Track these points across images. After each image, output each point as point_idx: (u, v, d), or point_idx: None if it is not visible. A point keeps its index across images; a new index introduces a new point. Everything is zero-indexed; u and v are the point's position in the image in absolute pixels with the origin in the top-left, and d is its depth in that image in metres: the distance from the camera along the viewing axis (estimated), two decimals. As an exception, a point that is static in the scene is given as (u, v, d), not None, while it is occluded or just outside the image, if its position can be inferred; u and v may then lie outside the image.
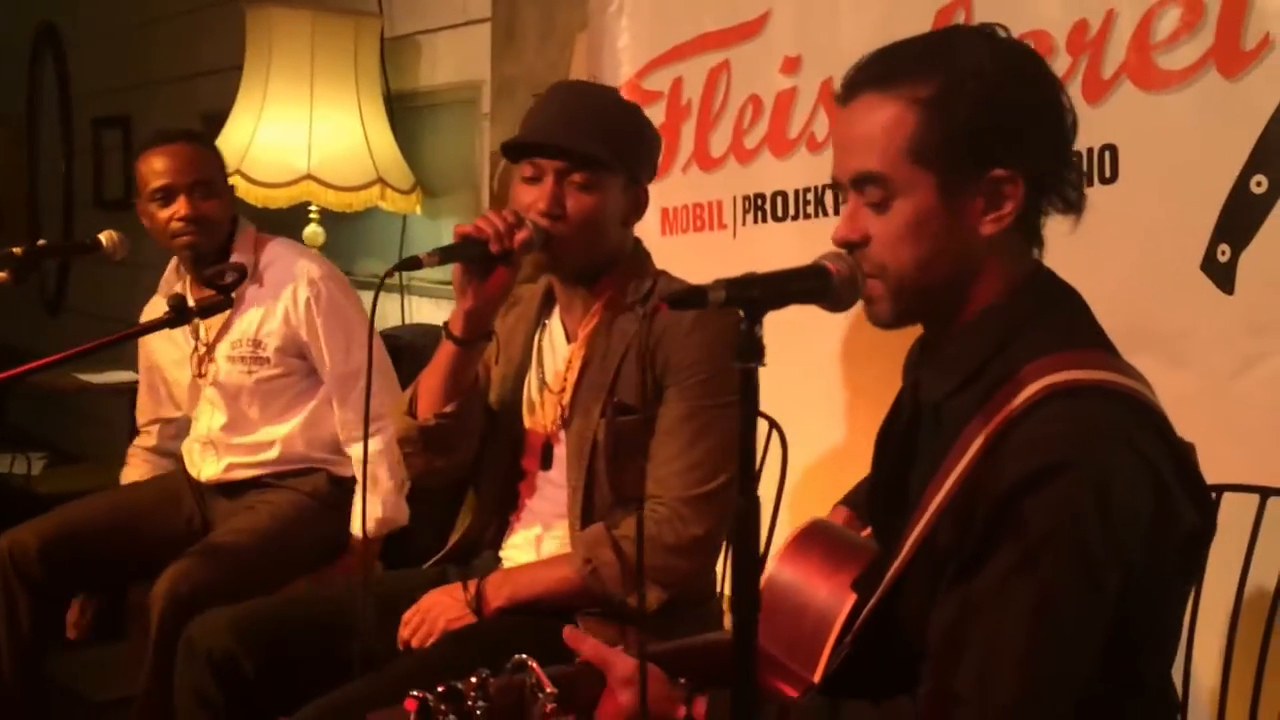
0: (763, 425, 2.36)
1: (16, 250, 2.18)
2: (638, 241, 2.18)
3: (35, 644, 2.71)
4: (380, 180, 3.58)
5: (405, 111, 3.81)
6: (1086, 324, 1.37)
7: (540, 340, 2.17)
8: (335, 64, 3.60)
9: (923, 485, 1.32)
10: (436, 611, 2.03)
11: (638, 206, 2.12)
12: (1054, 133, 1.34)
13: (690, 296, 1.14)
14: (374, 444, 2.72)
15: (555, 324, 2.17)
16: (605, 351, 2.06)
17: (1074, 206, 1.37)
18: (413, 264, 1.84)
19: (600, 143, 2.00)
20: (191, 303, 2.11)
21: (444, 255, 1.88)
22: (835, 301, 1.26)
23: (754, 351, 1.15)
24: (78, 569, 2.79)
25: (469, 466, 2.18)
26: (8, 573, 2.68)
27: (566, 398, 2.08)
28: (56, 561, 2.70)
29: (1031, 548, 1.20)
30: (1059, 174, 1.35)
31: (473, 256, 1.94)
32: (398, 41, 3.83)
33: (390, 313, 3.92)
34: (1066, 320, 1.35)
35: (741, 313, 1.16)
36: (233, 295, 2.19)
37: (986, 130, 1.29)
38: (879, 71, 1.34)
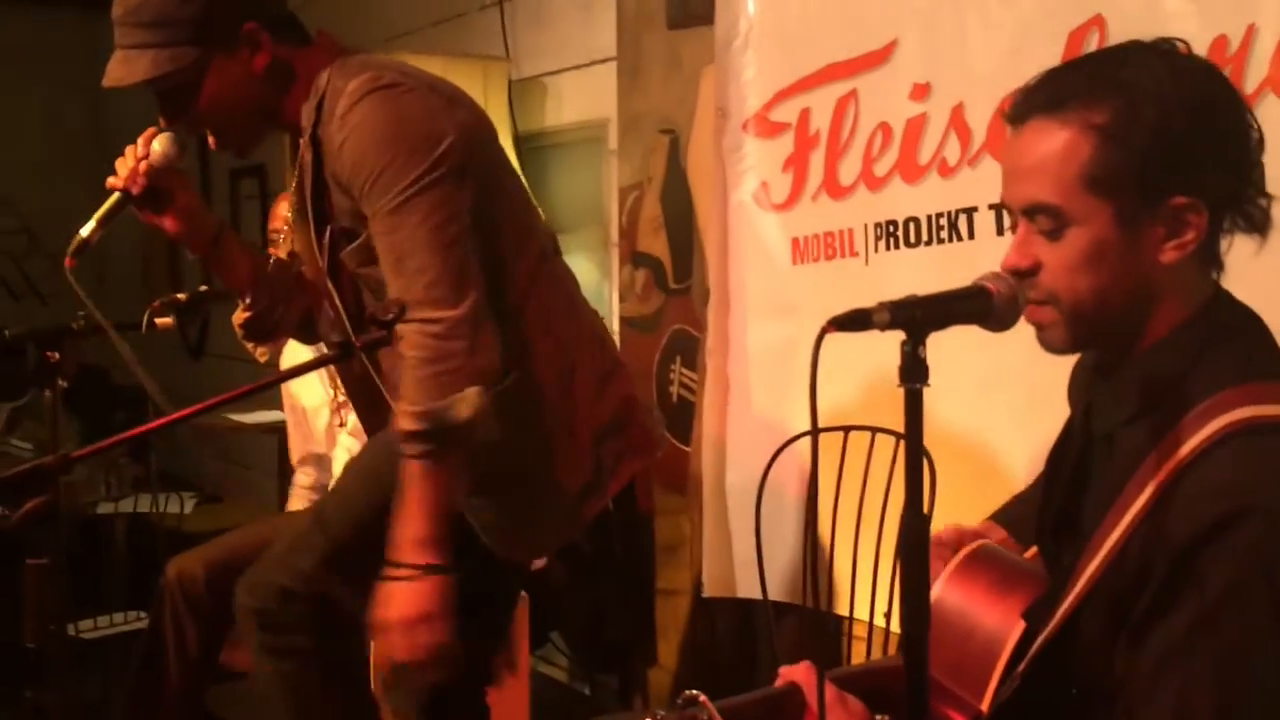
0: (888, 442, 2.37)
1: (181, 296, 2.28)
2: (296, 63, 2.00)
3: (202, 672, 2.80)
4: (511, 219, 3.66)
5: (533, 151, 3.90)
6: (1270, 352, 1.32)
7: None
8: (465, 108, 3.70)
9: (1096, 518, 1.29)
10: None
11: (245, 49, 1.95)
12: (1238, 155, 1.30)
13: (855, 319, 1.17)
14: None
15: None
16: (302, 187, 2.03)
17: (1258, 227, 1.32)
18: (83, 247, 1.94)
19: (139, 40, 1.91)
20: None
21: (102, 221, 1.96)
22: (996, 322, 1.26)
23: (919, 373, 1.17)
24: None
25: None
26: (176, 600, 2.76)
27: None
28: (224, 589, 2.79)
29: (1213, 603, 1.17)
30: (1243, 194, 1.31)
31: (130, 204, 2.00)
32: (524, 83, 3.92)
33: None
34: (1247, 349, 1.30)
35: (905, 334, 1.17)
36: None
37: (1166, 158, 1.25)
38: (1050, 95, 1.30)
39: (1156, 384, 1.30)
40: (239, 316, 2.16)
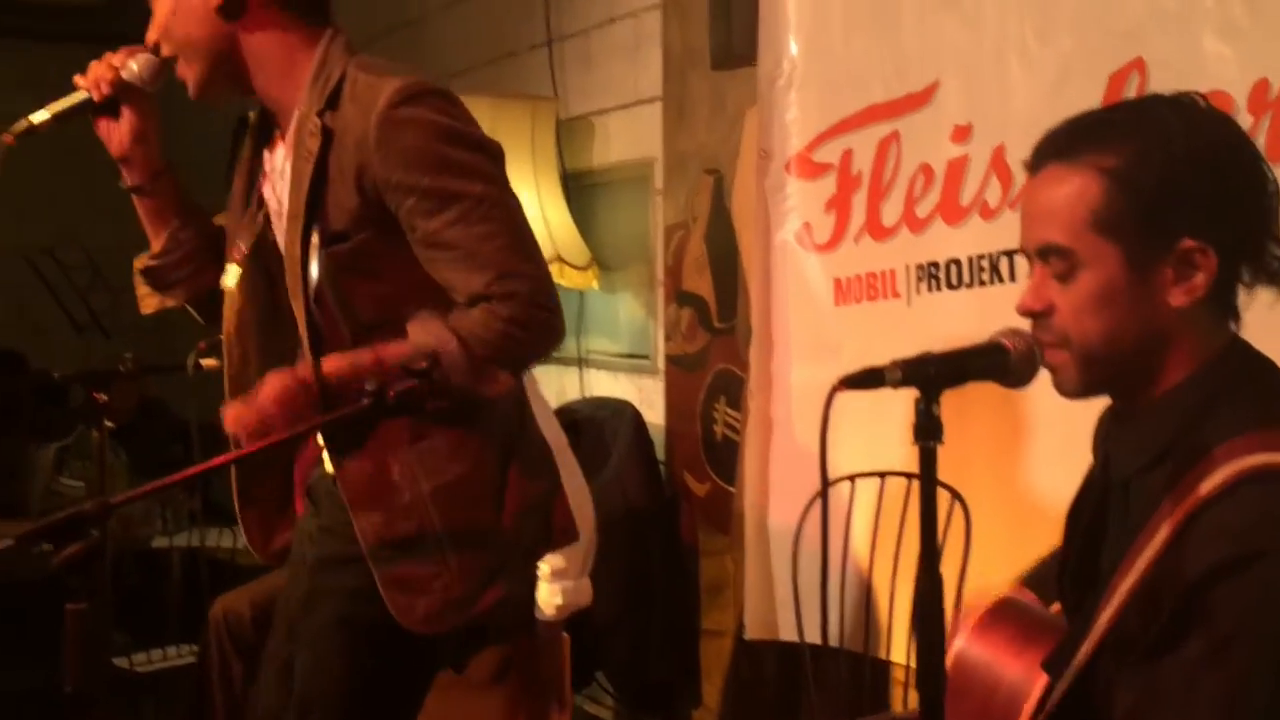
0: (944, 497, 2.35)
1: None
2: (288, 33, 1.94)
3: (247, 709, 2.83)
4: (557, 258, 3.68)
5: (580, 189, 3.93)
6: None
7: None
8: (513, 146, 3.73)
9: (1113, 564, 1.30)
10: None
11: None
12: (1252, 204, 1.31)
13: (866, 378, 1.17)
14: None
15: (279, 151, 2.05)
16: (299, 174, 1.90)
17: (1276, 278, 1.33)
18: (29, 130, 1.92)
19: None
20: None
21: (58, 116, 1.94)
22: (1013, 378, 1.27)
23: (933, 430, 1.17)
24: None
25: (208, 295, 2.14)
26: (222, 637, 2.79)
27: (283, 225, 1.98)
28: (270, 626, 2.81)
29: (1222, 639, 1.18)
30: (1258, 245, 1.32)
31: (86, 109, 1.98)
32: (572, 122, 3.96)
33: (569, 386, 4.02)
34: (1263, 396, 1.31)
35: (919, 392, 1.17)
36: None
37: (1174, 201, 1.27)
38: (1065, 142, 1.35)
39: (1171, 430, 1.30)
40: (141, 260, 2.12)
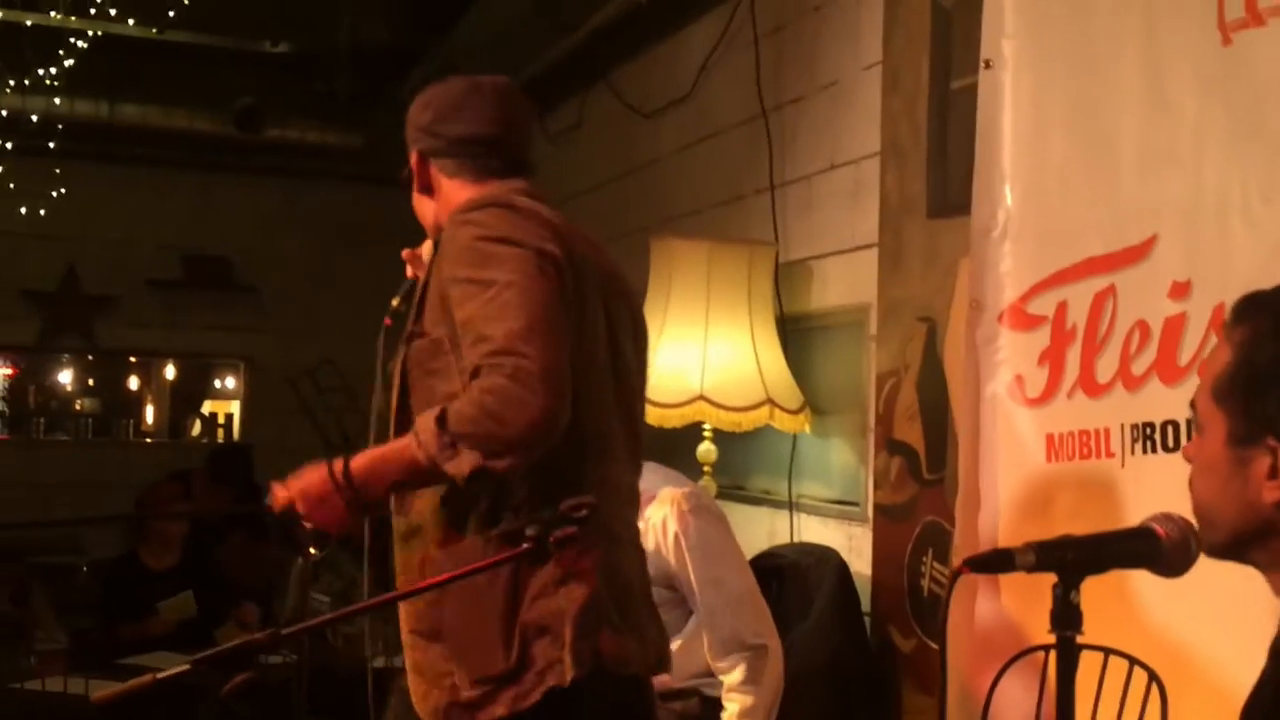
0: (1140, 676, 2.19)
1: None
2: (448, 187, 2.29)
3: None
4: (770, 401, 3.68)
5: (796, 333, 3.93)
6: None
7: None
8: (730, 290, 3.78)
9: None
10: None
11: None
12: None
13: (995, 561, 1.12)
14: (736, 675, 2.74)
15: None
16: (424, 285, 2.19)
17: None
18: (394, 311, 2.25)
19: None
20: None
21: (404, 299, 2.25)
22: (1166, 567, 1.19)
23: (1071, 619, 1.10)
24: None
25: None
26: None
27: None
28: None
29: None
30: None
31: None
32: (791, 266, 3.98)
33: (779, 529, 3.97)
34: None
35: (1057, 578, 1.11)
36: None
37: (1275, 393, 1.21)
38: (1241, 306, 1.34)
39: None
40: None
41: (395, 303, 2.29)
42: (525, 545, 1.70)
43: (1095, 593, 2.45)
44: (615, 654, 2.05)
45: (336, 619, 1.71)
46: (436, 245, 2.19)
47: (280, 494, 2.08)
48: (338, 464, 2.02)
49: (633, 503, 2.26)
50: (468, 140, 2.25)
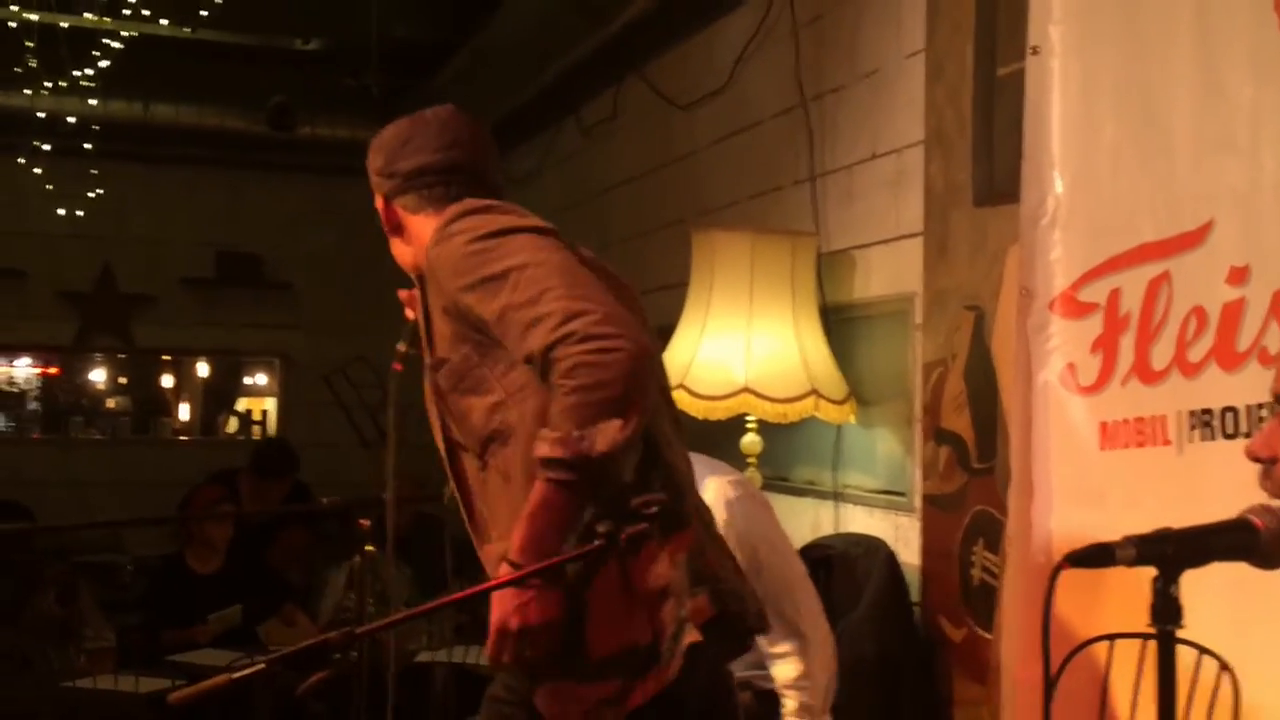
0: (1210, 665, 2.18)
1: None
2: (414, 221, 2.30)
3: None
4: (814, 392, 3.67)
5: (840, 323, 3.92)
6: None
7: None
8: (773, 281, 3.76)
9: None
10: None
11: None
12: None
13: (1095, 555, 1.11)
14: (788, 668, 2.73)
15: None
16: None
17: None
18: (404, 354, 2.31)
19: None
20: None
21: (411, 343, 2.28)
22: (1263, 559, 1.17)
23: (1171, 613, 1.09)
24: None
25: None
26: None
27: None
28: None
29: None
30: None
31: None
32: (833, 256, 3.97)
33: (824, 519, 3.97)
34: None
35: (1157, 571, 1.10)
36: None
37: None
38: None
39: None
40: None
41: (402, 348, 2.33)
42: (597, 543, 1.70)
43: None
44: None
45: (413, 616, 1.71)
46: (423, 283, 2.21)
47: (503, 654, 2.00)
48: (504, 570, 1.94)
49: (693, 487, 2.26)
50: (421, 171, 2.26)
